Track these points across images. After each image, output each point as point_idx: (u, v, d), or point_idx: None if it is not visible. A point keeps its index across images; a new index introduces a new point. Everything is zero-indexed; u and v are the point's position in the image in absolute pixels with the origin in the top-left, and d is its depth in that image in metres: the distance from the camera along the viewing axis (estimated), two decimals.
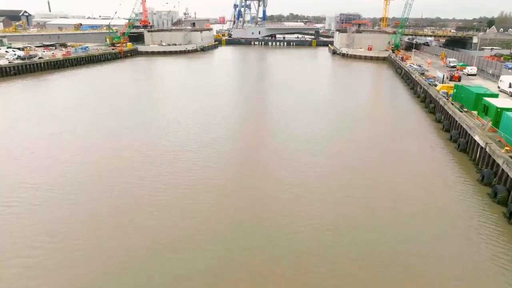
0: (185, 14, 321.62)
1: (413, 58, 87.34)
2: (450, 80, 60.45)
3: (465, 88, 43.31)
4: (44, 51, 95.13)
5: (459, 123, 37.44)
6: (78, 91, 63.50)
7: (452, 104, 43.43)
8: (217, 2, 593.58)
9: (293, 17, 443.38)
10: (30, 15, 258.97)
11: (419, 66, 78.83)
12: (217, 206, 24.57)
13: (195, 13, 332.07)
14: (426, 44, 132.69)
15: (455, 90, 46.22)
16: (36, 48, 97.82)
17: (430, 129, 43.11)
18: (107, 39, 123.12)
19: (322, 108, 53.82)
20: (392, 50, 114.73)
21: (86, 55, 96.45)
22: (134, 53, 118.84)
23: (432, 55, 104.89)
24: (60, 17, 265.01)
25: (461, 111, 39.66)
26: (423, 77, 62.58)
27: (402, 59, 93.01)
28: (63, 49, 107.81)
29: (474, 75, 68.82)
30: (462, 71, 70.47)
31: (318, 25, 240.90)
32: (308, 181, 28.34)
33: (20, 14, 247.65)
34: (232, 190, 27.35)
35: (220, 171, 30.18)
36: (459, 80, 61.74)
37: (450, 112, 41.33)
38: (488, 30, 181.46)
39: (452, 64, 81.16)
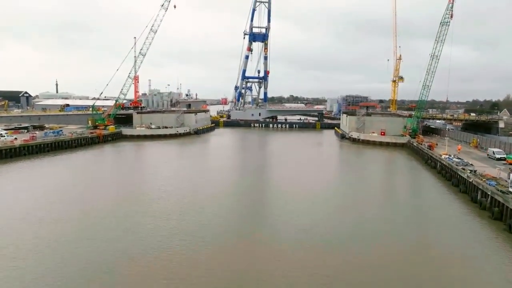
0: (187, 95, 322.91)
1: (447, 148, 71.53)
2: None
3: None
4: (4, 136, 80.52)
5: None
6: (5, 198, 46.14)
7: None
8: (220, 84, 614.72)
9: (293, 99, 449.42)
10: (30, 96, 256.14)
11: (459, 158, 62.57)
12: None
13: (196, 94, 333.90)
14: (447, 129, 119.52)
15: None
16: None
17: None
18: (89, 121, 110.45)
19: (345, 223, 35.85)
20: (410, 135, 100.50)
21: (53, 140, 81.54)
22: (117, 137, 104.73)
23: (460, 142, 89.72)
24: (62, 98, 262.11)
25: None
26: (483, 179, 45.39)
27: (430, 147, 77.45)
28: (36, 132, 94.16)
29: None
30: None
31: (320, 107, 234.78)
32: None
33: (20, 95, 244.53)
34: None
35: None
36: None
37: None
38: (499, 114, 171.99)
39: (498, 156, 65.13)
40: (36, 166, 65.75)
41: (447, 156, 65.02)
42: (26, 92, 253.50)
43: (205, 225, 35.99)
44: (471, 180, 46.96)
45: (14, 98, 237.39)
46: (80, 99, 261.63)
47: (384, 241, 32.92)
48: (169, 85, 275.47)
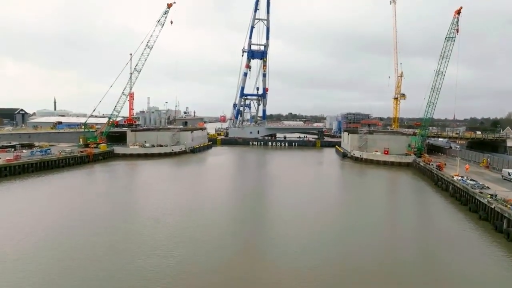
0: (185, 112, 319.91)
1: (458, 168, 66.73)
2: None
3: None
4: None
5: None
6: None
7: None
8: (219, 101, 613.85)
9: (292, 116, 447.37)
10: (26, 113, 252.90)
11: (473, 180, 57.97)
12: None
13: (194, 112, 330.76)
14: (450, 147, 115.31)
15: None
16: None
17: None
18: (80, 139, 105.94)
19: (351, 256, 30.91)
20: (415, 154, 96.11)
21: (38, 160, 76.72)
22: (108, 156, 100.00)
23: (468, 161, 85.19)
24: (59, 115, 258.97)
25: None
26: (507, 205, 40.60)
27: (439, 167, 72.88)
28: (23, 151, 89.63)
29: None
30: None
31: (318, 124, 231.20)
32: None
33: (16, 113, 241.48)
34: None
35: None
36: None
37: None
38: (502, 132, 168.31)
39: None
40: (15, 188, 60.68)
41: (460, 177, 60.40)
42: (21, 110, 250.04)
43: (199, 259, 30.99)
44: (493, 207, 42.20)
45: (9, 115, 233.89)
46: (77, 116, 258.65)
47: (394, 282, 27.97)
48: (167, 102, 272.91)
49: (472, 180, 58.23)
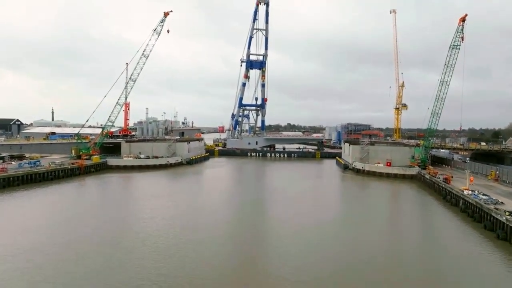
0: (183, 123, 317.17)
1: (468, 182, 63.03)
2: None
3: None
4: None
5: None
6: None
7: None
8: (219, 112, 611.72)
9: (291, 127, 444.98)
10: (22, 123, 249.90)
11: (486, 195, 54.44)
12: None
13: (192, 122, 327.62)
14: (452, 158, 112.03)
15: None
16: None
17: None
18: (73, 151, 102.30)
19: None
20: (419, 166, 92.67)
21: (25, 173, 72.94)
22: (101, 168, 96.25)
23: (476, 173, 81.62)
24: (56, 126, 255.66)
25: None
26: None
27: (446, 180, 69.36)
28: (13, 162, 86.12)
29: None
30: None
31: (318, 135, 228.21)
32: None
33: (12, 123, 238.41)
34: None
35: None
36: None
37: None
38: (505, 142, 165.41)
39: None
40: None
41: (471, 192, 56.80)
42: (17, 120, 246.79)
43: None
44: None
45: (5, 126, 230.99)
46: (74, 127, 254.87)
47: None
48: (165, 113, 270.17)
49: (484, 194, 54.71)
